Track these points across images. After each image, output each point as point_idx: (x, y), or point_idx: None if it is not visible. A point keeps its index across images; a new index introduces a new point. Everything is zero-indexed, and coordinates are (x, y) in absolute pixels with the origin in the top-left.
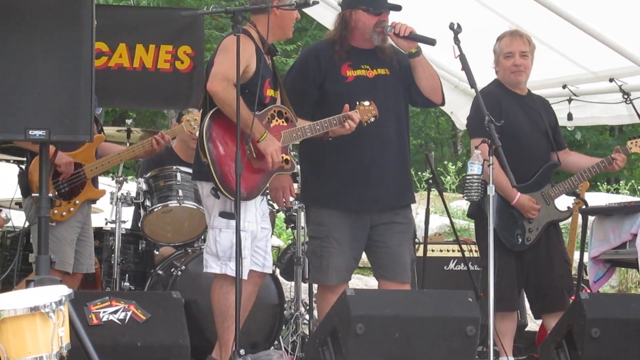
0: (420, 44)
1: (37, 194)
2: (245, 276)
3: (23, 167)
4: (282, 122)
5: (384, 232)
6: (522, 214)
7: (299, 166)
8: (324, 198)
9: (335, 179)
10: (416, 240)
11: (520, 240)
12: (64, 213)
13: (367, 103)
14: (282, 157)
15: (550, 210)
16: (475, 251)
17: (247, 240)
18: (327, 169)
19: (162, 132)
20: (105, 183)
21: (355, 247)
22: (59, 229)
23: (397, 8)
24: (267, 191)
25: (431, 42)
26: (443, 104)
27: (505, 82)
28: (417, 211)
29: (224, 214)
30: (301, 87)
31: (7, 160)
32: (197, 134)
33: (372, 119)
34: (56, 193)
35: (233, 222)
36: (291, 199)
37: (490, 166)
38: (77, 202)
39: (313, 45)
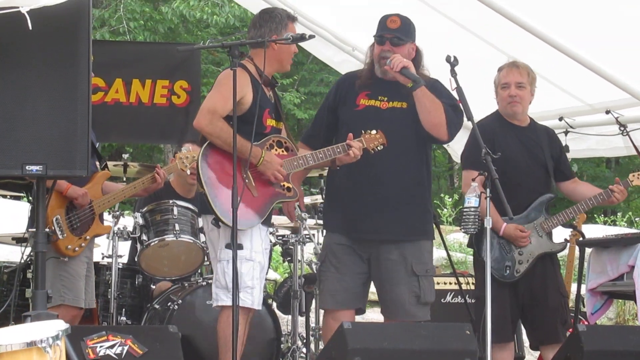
0: None
1: (49, 229)
2: (258, 307)
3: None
4: (282, 151)
5: (379, 268)
6: (511, 245)
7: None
8: (328, 222)
9: (337, 204)
10: None
11: (508, 272)
12: (76, 248)
13: (374, 132)
14: (284, 185)
15: (543, 242)
16: (473, 283)
17: (256, 270)
18: (332, 194)
19: (158, 167)
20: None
21: (357, 274)
22: (71, 264)
23: (398, 40)
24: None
25: (417, 81)
26: (449, 140)
27: (503, 113)
28: None
29: (229, 246)
30: (320, 112)
31: (4, 196)
32: (188, 172)
33: (380, 147)
34: (66, 228)
35: (239, 252)
36: (299, 211)
37: (487, 198)
38: (87, 237)
39: (346, 73)
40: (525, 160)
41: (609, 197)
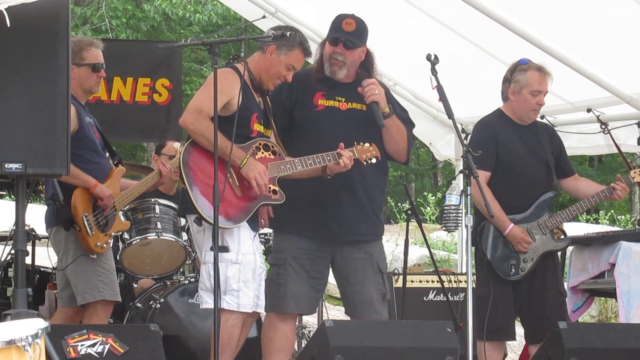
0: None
1: (78, 227)
2: (250, 309)
3: (57, 200)
4: (269, 154)
5: (345, 268)
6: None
7: None
8: (284, 223)
9: (295, 205)
10: (395, 271)
11: (513, 270)
12: (104, 245)
13: (367, 144)
14: (270, 188)
15: (547, 240)
16: (455, 281)
17: (243, 272)
18: (291, 196)
19: (163, 162)
20: None
21: (316, 278)
22: (104, 260)
23: (351, 43)
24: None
25: (379, 123)
26: (406, 163)
27: (512, 113)
28: (397, 242)
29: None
30: (273, 112)
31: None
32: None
33: (374, 160)
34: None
35: (225, 255)
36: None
37: (469, 196)
38: (113, 233)
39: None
40: (528, 158)
41: (610, 194)
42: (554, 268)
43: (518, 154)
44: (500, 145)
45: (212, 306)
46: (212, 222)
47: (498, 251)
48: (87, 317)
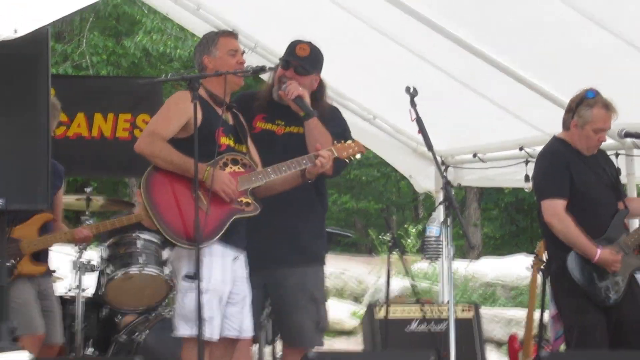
0: None
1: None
2: (215, 336)
3: None
4: (238, 168)
5: (276, 295)
6: (605, 269)
7: None
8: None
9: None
10: (378, 302)
11: (611, 295)
12: None
13: (350, 141)
14: (242, 201)
15: (632, 259)
16: (437, 312)
17: (213, 301)
18: None
19: (82, 228)
20: (65, 252)
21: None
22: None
23: (302, 69)
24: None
25: (309, 113)
26: (332, 176)
27: (574, 144)
28: (379, 274)
29: (187, 277)
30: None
31: None
32: None
33: (358, 156)
34: None
35: (196, 284)
36: None
37: (448, 228)
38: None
39: (242, 93)
40: (598, 184)
41: None
42: (638, 287)
43: (590, 180)
44: (573, 173)
45: (185, 333)
46: (180, 243)
47: (590, 278)
48: None
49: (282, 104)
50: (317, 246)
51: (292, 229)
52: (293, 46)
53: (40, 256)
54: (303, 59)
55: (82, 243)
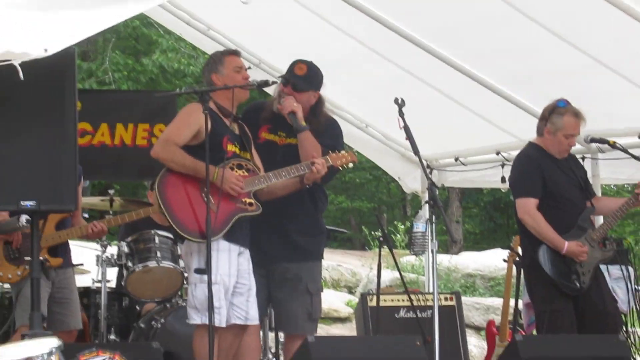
0: None
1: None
2: (223, 324)
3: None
4: (243, 172)
5: (276, 287)
6: (573, 260)
7: None
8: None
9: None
10: (370, 292)
11: (578, 283)
12: (10, 275)
13: (343, 151)
14: (246, 201)
15: (596, 252)
16: (423, 300)
17: (220, 292)
18: None
19: (95, 223)
20: (92, 247)
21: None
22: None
23: (298, 86)
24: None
25: (299, 128)
26: (324, 183)
27: (546, 148)
28: (371, 266)
29: (197, 270)
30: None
31: None
32: None
33: (350, 164)
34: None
35: (204, 277)
36: None
37: (433, 224)
38: (27, 267)
39: (253, 103)
40: (567, 183)
41: (637, 201)
42: (604, 278)
43: (561, 181)
44: (545, 174)
45: (197, 322)
46: (190, 237)
47: (559, 269)
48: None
49: (284, 117)
50: (308, 243)
51: (280, 227)
52: (293, 65)
53: (58, 250)
54: (299, 77)
55: (97, 237)
